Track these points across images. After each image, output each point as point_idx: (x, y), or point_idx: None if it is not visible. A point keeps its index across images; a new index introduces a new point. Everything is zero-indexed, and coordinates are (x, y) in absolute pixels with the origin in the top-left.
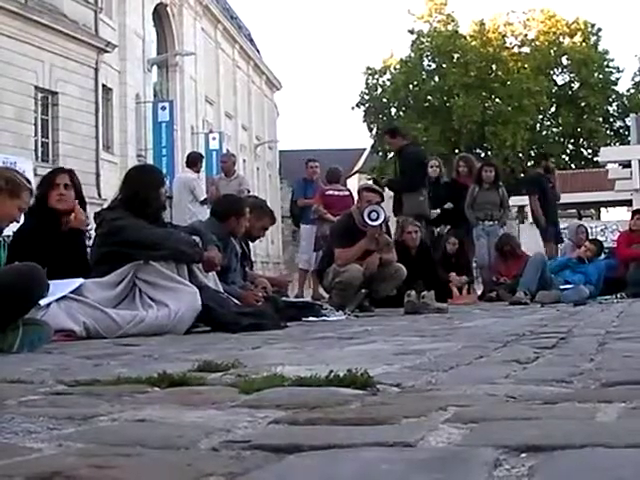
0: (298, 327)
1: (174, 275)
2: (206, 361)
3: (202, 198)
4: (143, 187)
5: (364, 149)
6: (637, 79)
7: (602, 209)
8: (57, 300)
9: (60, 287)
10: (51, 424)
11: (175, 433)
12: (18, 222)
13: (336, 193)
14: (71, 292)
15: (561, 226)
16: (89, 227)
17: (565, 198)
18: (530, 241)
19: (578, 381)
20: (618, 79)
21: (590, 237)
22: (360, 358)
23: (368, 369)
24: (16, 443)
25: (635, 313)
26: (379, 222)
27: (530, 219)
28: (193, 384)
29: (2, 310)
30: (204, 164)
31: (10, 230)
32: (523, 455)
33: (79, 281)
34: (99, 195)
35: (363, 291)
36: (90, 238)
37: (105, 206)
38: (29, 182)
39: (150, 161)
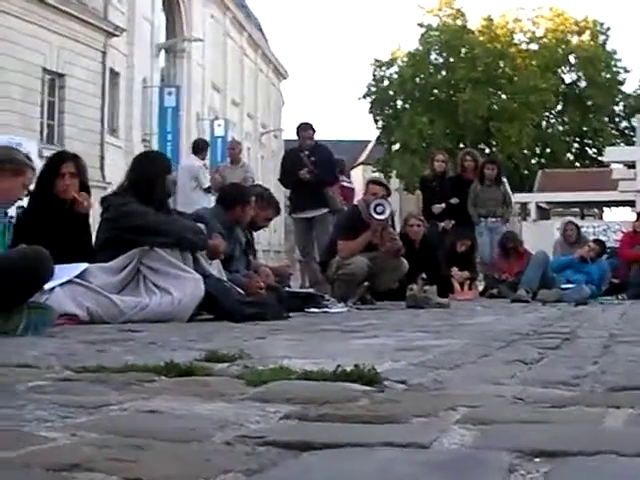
0: (300, 318)
1: (178, 262)
2: (212, 351)
3: (206, 185)
4: (150, 174)
5: (369, 141)
6: None
7: (605, 209)
8: (61, 284)
9: (65, 271)
10: (63, 412)
11: (187, 425)
12: (22, 200)
13: (345, 184)
14: (75, 276)
15: (558, 225)
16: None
17: (568, 197)
18: (532, 238)
19: (583, 384)
20: (625, 79)
21: (592, 237)
22: (365, 353)
23: (374, 365)
24: (30, 431)
25: (637, 316)
26: (385, 216)
27: (533, 216)
28: (200, 374)
29: (8, 292)
30: (208, 151)
31: (14, 212)
32: (537, 460)
33: (83, 266)
34: (103, 178)
35: (365, 284)
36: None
37: (111, 191)
38: (30, 159)
39: (155, 146)
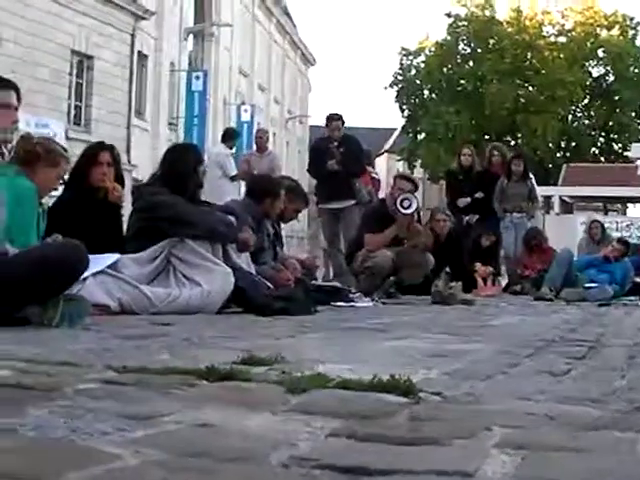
0: (327, 313)
1: (208, 254)
2: (248, 352)
3: (232, 174)
4: (182, 165)
5: (394, 129)
6: None
7: (629, 205)
8: (93, 274)
9: (97, 261)
10: (119, 424)
11: (242, 444)
12: (57, 190)
13: (373, 175)
14: (107, 267)
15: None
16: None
17: (592, 192)
18: (555, 232)
19: (612, 402)
20: None
21: (616, 232)
22: (397, 357)
23: (408, 373)
24: (94, 447)
25: None
26: (411, 210)
27: (556, 209)
28: (239, 379)
29: (45, 284)
30: None
31: (48, 201)
32: None
33: (115, 256)
34: (129, 161)
35: (391, 278)
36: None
37: (144, 182)
38: (65, 150)
39: (181, 130)
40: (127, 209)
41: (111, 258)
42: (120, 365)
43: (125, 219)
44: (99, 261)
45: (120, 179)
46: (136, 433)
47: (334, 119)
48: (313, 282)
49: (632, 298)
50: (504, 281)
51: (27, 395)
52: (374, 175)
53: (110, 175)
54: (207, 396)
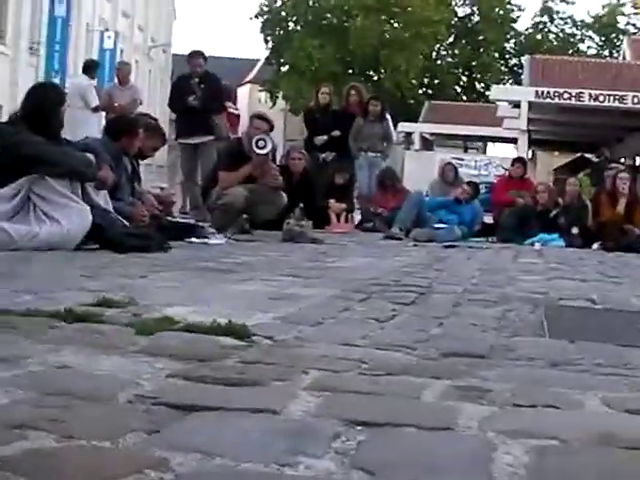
0: (181, 251)
1: (68, 192)
2: (104, 296)
3: (93, 105)
4: (44, 104)
5: (258, 60)
6: (537, 19)
7: (489, 144)
8: None
9: None
10: None
11: (96, 384)
12: None
13: (231, 111)
14: None
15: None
16: None
17: (452, 129)
18: (414, 168)
19: (422, 348)
20: (518, 17)
21: (474, 170)
22: (239, 301)
23: (245, 317)
24: None
25: (496, 267)
26: (266, 150)
27: (416, 145)
28: (94, 321)
29: None
30: None
31: None
32: (358, 428)
33: None
34: None
35: (244, 216)
36: None
37: (2, 104)
38: None
39: (43, 56)
40: None
41: None
42: None
43: None
44: None
45: None
46: (7, 374)
47: (196, 56)
48: (168, 218)
49: (480, 239)
50: (357, 218)
51: None
52: (233, 111)
53: None
54: (66, 338)
